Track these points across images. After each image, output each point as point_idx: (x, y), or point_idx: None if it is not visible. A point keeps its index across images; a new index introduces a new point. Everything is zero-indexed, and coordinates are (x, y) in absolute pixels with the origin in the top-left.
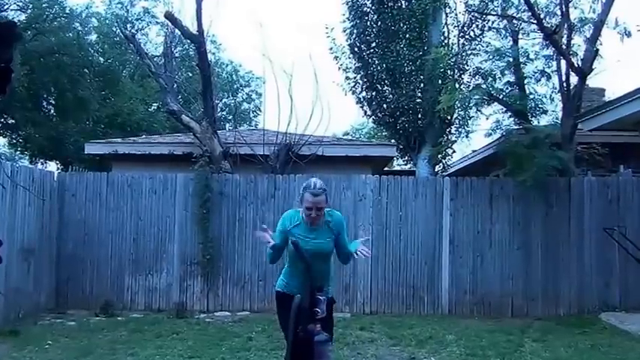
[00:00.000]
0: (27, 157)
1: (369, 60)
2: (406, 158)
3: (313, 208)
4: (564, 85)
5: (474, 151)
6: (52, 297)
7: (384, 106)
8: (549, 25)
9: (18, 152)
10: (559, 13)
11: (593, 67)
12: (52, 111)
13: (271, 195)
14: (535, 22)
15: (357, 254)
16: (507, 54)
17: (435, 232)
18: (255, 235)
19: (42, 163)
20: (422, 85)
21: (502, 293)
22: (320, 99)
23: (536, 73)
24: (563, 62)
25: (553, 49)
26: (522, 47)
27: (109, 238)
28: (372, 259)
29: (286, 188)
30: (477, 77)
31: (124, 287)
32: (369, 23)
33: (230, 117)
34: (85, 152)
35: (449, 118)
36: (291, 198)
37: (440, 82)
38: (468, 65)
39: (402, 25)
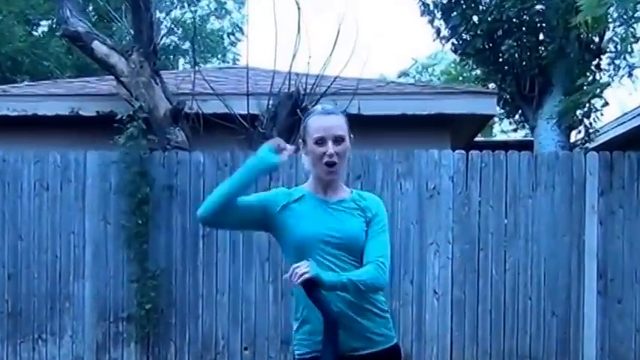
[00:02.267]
0: None
1: None
2: (516, 118)
3: (328, 139)
4: None
5: None
6: None
7: (475, 19)
8: None
9: None
10: None
11: None
12: None
13: (264, 188)
14: None
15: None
16: None
17: (572, 254)
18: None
19: None
20: None
21: None
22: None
23: None
24: None
25: None
26: None
27: None
28: (454, 307)
29: (292, 176)
30: None
31: None
32: None
33: (185, 45)
34: None
35: (596, 40)
36: None
37: None
38: None
39: None
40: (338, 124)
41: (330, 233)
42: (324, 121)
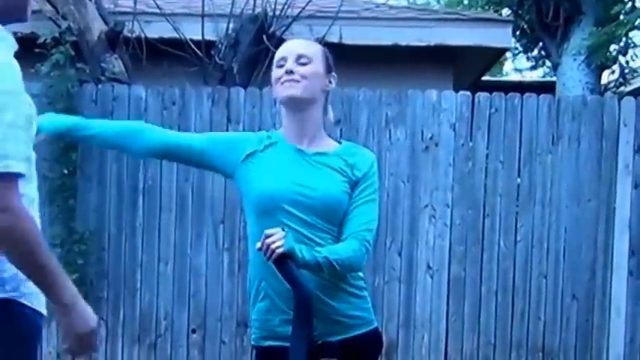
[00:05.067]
0: None
1: None
2: (535, 53)
3: (289, 58)
4: None
5: None
6: None
7: None
8: None
9: None
10: None
11: None
12: None
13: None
14: None
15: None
16: None
17: (598, 225)
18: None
19: None
20: None
21: None
22: None
23: None
24: None
25: None
26: None
27: None
28: (451, 287)
29: (254, 118)
30: None
31: None
32: None
33: None
34: None
35: None
36: None
37: None
38: None
39: None
40: (304, 44)
41: (300, 191)
42: (289, 43)
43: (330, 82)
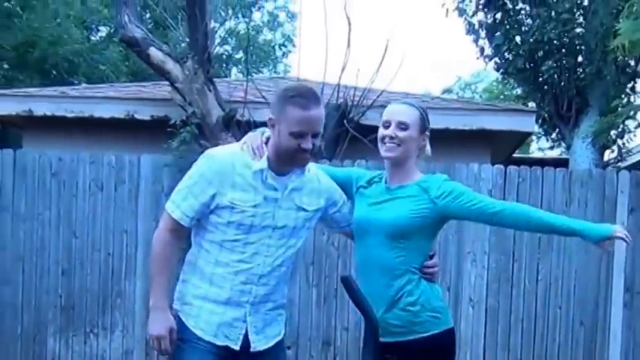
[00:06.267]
0: None
1: None
2: (553, 136)
3: (392, 124)
4: None
5: None
6: None
7: (517, 39)
8: None
9: None
10: None
11: None
12: None
13: None
14: None
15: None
16: None
17: (600, 268)
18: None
19: None
20: (585, 1)
21: None
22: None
23: None
24: None
25: None
26: None
27: (17, 270)
28: (488, 315)
29: None
30: None
31: (47, 355)
32: None
33: (238, 55)
34: None
35: (632, 63)
36: None
37: None
38: None
39: None
40: (405, 113)
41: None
42: (394, 107)
43: (424, 139)
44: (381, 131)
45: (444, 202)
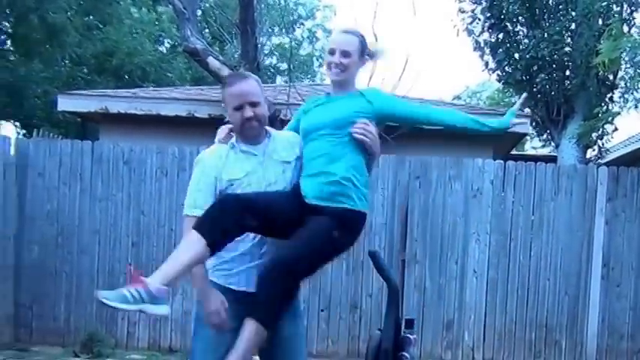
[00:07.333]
0: None
1: None
2: (544, 137)
3: (336, 53)
4: None
5: None
6: (8, 327)
7: (516, 56)
8: None
9: None
10: None
11: None
12: (9, 44)
13: None
14: None
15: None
16: None
17: (582, 247)
18: None
19: None
20: (573, 25)
21: None
22: (420, 41)
23: None
24: None
25: None
26: None
27: (94, 241)
28: (488, 285)
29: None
30: None
31: (118, 315)
32: None
33: (282, 64)
34: (59, 109)
35: (611, 77)
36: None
37: (600, 21)
38: None
39: None
40: (347, 42)
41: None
42: (337, 37)
43: (364, 62)
44: (328, 58)
45: (379, 104)
